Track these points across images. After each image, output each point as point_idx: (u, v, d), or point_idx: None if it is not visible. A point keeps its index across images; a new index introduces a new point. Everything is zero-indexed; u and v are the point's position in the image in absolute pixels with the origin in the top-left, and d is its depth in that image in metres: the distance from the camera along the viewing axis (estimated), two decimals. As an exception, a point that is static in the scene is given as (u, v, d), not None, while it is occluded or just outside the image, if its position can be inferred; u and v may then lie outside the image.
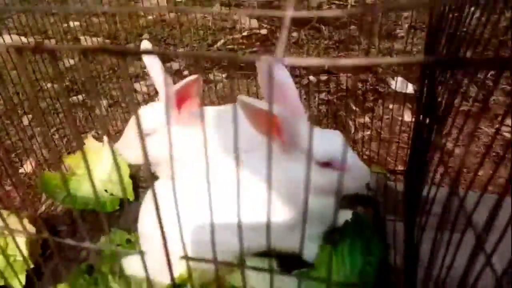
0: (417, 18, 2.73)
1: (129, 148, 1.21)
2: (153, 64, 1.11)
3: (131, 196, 1.35)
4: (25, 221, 1.17)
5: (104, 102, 2.18)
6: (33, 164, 1.62)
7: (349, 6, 3.25)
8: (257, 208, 0.97)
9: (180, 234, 0.55)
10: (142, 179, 1.47)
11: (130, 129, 1.22)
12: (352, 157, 1.01)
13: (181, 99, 1.12)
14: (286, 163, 0.99)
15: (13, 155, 1.77)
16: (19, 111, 1.81)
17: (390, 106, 2.12)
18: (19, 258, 1.13)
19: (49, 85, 2.05)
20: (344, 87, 2.27)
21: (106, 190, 1.35)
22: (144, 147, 0.42)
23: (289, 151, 0.99)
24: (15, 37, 1.90)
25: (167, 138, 1.13)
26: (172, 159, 0.97)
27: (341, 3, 3.35)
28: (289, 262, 1.08)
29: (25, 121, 1.77)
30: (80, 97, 2.25)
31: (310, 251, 1.08)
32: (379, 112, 2.06)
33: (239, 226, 0.53)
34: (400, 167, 1.53)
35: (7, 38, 1.61)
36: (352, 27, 2.95)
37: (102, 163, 1.38)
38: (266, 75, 0.91)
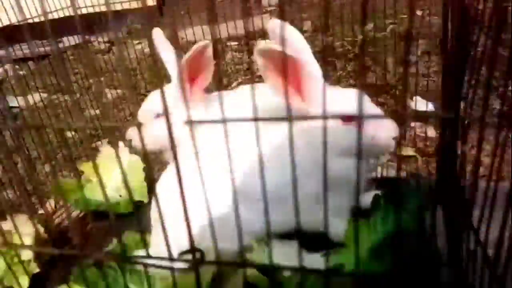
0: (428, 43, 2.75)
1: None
2: (162, 44, 1.12)
3: (145, 198, 1.29)
4: (35, 222, 1.11)
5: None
6: (52, 205, 1.60)
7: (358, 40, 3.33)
8: (278, 181, 0.90)
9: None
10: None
11: (143, 113, 1.19)
12: (375, 112, 0.94)
13: (192, 76, 1.10)
14: (305, 125, 0.93)
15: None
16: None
17: (412, 125, 2.05)
18: (25, 258, 1.05)
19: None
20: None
21: (120, 196, 1.30)
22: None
23: (309, 112, 0.93)
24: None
25: (180, 117, 1.09)
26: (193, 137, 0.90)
27: (351, 38, 3.43)
28: (315, 244, 0.97)
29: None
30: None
31: (337, 228, 0.96)
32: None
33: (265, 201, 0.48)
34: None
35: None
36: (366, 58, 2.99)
37: (117, 169, 1.34)
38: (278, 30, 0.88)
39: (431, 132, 1.91)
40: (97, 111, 2.43)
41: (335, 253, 0.92)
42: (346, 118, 0.91)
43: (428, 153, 1.45)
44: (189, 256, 0.50)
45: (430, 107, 2.19)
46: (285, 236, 0.99)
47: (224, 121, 0.46)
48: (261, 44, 0.85)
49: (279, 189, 0.92)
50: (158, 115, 1.17)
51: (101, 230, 1.24)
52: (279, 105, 0.89)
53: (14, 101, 2.72)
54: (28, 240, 1.06)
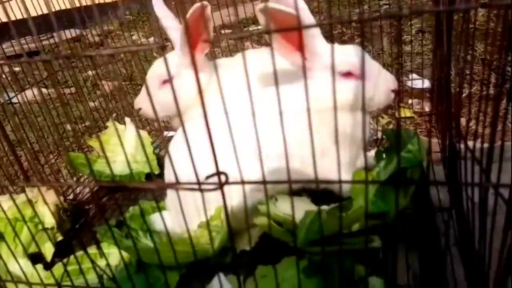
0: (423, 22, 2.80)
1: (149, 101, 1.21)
2: (163, 11, 1.15)
3: (156, 169, 1.34)
4: (52, 192, 1.16)
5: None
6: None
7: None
8: (286, 137, 0.94)
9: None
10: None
11: (149, 81, 1.22)
12: (374, 66, 1.00)
13: (193, 41, 1.12)
14: (309, 81, 0.98)
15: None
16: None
17: (410, 101, 2.11)
18: (47, 226, 1.10)
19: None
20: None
21: (131, 169, 1.35)
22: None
23: (311, 69, 0.98)
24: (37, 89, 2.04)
25: (186, 81, 1.13)
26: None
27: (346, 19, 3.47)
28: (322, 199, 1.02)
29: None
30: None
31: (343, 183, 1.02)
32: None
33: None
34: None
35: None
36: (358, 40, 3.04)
37: (125, 144, 1.39)
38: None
39: (428, 108, 1.96)
40: (96, 103, 2.47)
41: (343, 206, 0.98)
42: (346, 73, 0.96)
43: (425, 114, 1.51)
44: (215, 179, 0.55)
45: (426, 84, 2.23)
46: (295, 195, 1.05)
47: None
48: (267, 4, 0.89)
49: (288, 145, 0.97)
50: (164, 81, 1.19)
51: (116, 201, 1.30)
52: (281, 63, 0.94)
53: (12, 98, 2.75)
54: (51, 208, 1.10)
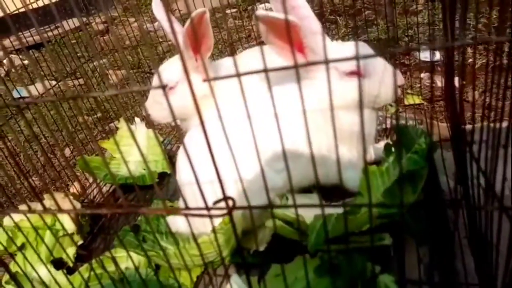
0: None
1: (157, 106, 1.23)
2: (164, 16, 1.15)
3: (168, 169, 1.36)
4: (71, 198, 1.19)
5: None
6: (78, 187, 1.69)
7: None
8: (294, 139, 0.95)
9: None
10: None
11: (154, 91, 1.23)
12: (379, 62, 0.98)
13: (195, 45, 1.13)
14: (311, 82, 0.98)
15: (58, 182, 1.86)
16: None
17: (422, 75, 2.06)
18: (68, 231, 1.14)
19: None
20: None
21: (144, 169, 1.38)
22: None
23: (313, 69, 0.97)
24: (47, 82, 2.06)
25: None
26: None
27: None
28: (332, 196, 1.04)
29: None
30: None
31: (352, 178, 1.03)
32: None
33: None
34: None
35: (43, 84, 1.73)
36: (367, 12, 2.96)
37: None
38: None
39: (439, 82, 1.92)
40: (106, 94, 2.48)
41: (352, 201, 0.99)
42: (351, 72, 0.95)
43: (435, 101, 1.48)
44: (222, 204, 0.57)
45: (437, 56, 2.17)
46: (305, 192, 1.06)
47: (238, 75, 0.51)
48: (259, 10, 0.88)
49: (296, 145, 0.97)
50: (170, 88, 1.21)
51: (131, 202, 1.34)
52: (283, 63, 0.93)
53: (23, 92, 2.79)
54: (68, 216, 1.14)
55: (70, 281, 1.01)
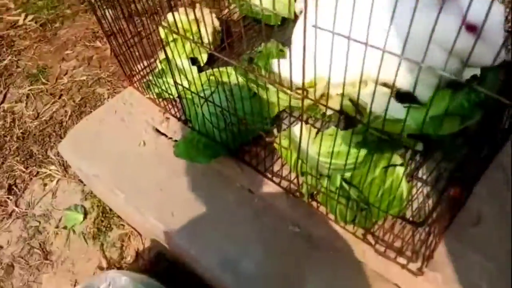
0: None
1: None
2: None
3: (291, 15, 1.60)
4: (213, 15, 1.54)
5: None
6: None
7: None
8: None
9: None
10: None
11: None
12: (498, 25, 0.98)
13: None
14: (435, 14, 1.04)
15: None
16: None
17: None
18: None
19: None
20: None
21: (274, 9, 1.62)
22: None
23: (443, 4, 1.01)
24: None
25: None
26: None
27: None
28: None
29: None
30: None
31: (424, 91, 1.18)
32: None
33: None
34: None
35: None
36: None
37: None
38: None
39: None
40: None
41: (414, 108, 1.19)
42: (470, 26, 0.97)
43: None
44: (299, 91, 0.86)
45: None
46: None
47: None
48: None
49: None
50: None
51: (253, 33, 1.64)
52: None
53: None
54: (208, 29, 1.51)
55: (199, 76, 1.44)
